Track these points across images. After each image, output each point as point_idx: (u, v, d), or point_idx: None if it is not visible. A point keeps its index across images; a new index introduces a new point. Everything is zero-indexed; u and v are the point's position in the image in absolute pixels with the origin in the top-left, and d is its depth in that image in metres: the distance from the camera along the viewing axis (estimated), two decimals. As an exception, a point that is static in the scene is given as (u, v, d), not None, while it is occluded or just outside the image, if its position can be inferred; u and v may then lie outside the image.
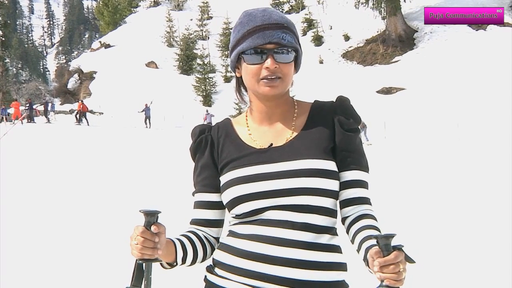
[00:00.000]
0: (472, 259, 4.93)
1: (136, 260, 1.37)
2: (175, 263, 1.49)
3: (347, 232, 1.50)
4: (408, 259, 1.23)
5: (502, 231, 5.96)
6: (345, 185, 1.50)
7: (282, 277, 1.39)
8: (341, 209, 1.53)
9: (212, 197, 1.57)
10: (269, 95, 1.47)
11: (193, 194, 1.62)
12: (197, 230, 1.58)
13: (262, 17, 1.46)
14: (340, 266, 1.48)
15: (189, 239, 1.52)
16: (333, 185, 1.46)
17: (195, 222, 1.60)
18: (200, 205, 1.59)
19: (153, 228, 1.32)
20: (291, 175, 1.43)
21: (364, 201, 1.51)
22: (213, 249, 1.59)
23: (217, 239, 1.62)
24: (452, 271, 4.57)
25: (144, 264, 1.36)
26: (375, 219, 1.47)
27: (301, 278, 1.40)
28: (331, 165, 1.46)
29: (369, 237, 1.36)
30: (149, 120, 34.27)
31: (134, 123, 34.72)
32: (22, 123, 29.53)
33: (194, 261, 1.54)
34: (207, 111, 34.51)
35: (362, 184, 1.51)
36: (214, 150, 1.58)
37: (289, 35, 1.47)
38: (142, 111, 34.94)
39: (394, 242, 1.21)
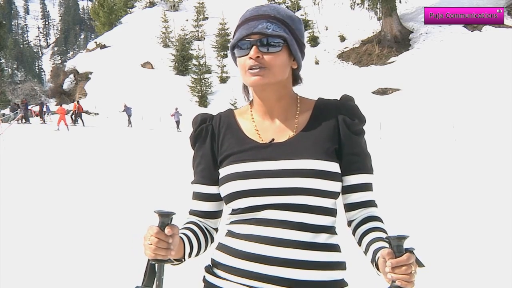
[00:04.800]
0: (469, 259, 4.94)
1: (148, 260, 1.37)
2: (183, 259, 1.48)
3: (353, 234, 1.50)
4: (418, 263, 1.25)
5: (499, 232, 5.97)
6: (350, 189, 1.50)
7: (280, 277, 1.39)
8: (346, 212, 1.54)
9: (210, 189, 1.56)
10: (255, 86, 1.46)
11: (191, 183, 1.61)
12: (198, 221, 1.58)
13: (252, 11, 1.48)
14: (339, 265, 1.47)
15: (193, 232, 1.51)
16: (333, 186, 1.44)
17: (193, 213, 1.60)
18: (198, 196, 1.59)
19: (167, 230, 1.31)
20: (291, 175, 1.41)
21: (370, 204, 1.51)
22: (212, 239, 1.60)
23: (216, 229, 1.62)
24: (449, 272, 4.58)
25: (156, 264, 1.36)
26: (381, 221, 1.48)
27: (299, 278, 1.39)
28: (332, 167, 1.44)
29: (377, 239, 1.37)
30: (130, 118, 34.92)
31: (132, 126, 34.78)
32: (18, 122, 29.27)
33: (198, 254, 1.54)
34: (176, 108, 34.46)
35: (367, 187, 1.51)
36: (214, 141, 1.56)
37: (276, 24, 1.44)
38: (122, 111, 35.48)
39: (405, 244, 1.22)
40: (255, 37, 1.43)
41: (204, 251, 1.57)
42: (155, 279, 1.37)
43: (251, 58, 1.42)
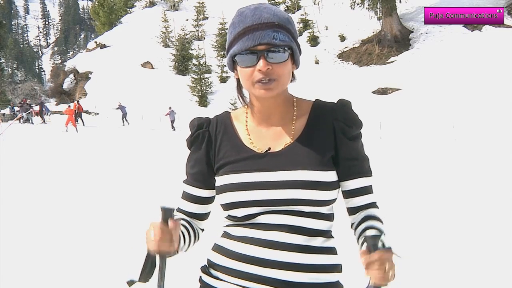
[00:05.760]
0: (469, 259, 4.94)
1: (148, 254, 1.38)
2: (176, 252, 1.48)
3: (355, 234, 1.51)
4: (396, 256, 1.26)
5: (499, 232, 5.97)
6: (350, 194, 1.50)
7: (276, 279, 1.39)
8: (349, 215, 1.54)
9: (201, 192, 1.57)
10: (265, 98, 1.44)
11: (183, 182, 1.62)
12: (187, 219, 1.59)
13: (252, 16, 1.41)
14: (334, 268, 1.48)
15: (185, 228, 1.52)
16: (330, 195, 1.44)
17: (181, 211, 1.61)
18: (187, 197, 1.60)
19: (171, 225, 1.33)
20: (288, 186, 1.41)
21: (370, 206, 1.52)
22: (198, 238, 1.61)
23: (202, 229, 1.64)
24: (447, 271, 4.58)
25: (158, 257, 1.37)
26: (379, 219, 1.47)
27: (294, 280, 1.40)
28: (328, 176, 1.44)
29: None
30: (126, 118, 35.21)
31: (129, 124, 34.83)
32: (20, 121, 29.23)
33: (186, 250, 1.55)
34: (170, 107, 34.57)
35: (366, 190, 1.51)
36: (211, 148, 1.56)
37: (281, 33, 1.41)
38: (117, 109, 35.86)
39: (387, 243, 1.23)
40: (262, 48, 1.39)
41: (190, 247, 1.57)
42: (157, 271, 1.37)
43: (260, 70, 1.39)
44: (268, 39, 1.39)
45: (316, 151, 1.45)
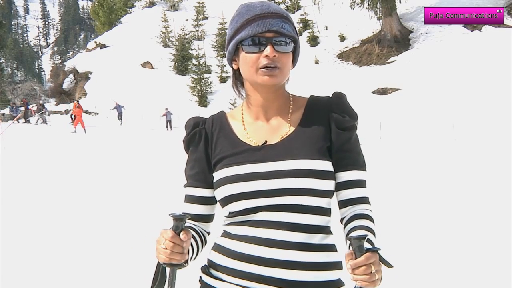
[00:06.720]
0: (468, 259, 4.94)
1: (160, 264, 1.37)
2: (186, 264, 1.46)
3: (344, 232, 1.49)
4: (385, 263, 1.23)
5: (498, 232, 5.97)
6: (342, 185, 1.49)
7: (276, 278, 1.39)
8: (339, 209, 1.53)
9: (204, 192, 1.56)
10: (268, 85, 1.45)
11: (184, 186, 1.61)
12: (193, 225, 1.56)
13: (261, 7, 1.45)
14: (335, 265, 1.47)
15: (193, 239, 1.50)
16: (327, 185, 1.44)
17: None
18: (191, 199, 1.58)
19: (183, 236, 1.32)
20: (285, 175, 1.41)
21: (362, 200, 1.51)
22: (206, 243, 1.59)
23: (208, 233, 1.62)
24: (447, 272, 4.58)
25: (168, 268, 1.36)
26: (369, 219, 1.46)
27: (295, 279, 1.39)
28: (326, 165, 1.44)
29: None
30: (121, 117, 35.63)
31: (129, 123, 34.82)
32: (18, 122, 29.18)
33: (195, 258, 1.53)
34: (166, 108, 34.61)
35: (359, 183, 1.50)
36: (208, 145, 1.56)
37: (288, 25, 1.45)
38: (113, 109, 36.27)
39: (375, 243, 1.21)
40: (270, 35, 1.42)
41: (198, 256, 1.56)
42: (167, 283, 1.37)
43: (267, 56, 1.41)
44: (277, 28, 1.42)
45: (312, 141, 1.46)
